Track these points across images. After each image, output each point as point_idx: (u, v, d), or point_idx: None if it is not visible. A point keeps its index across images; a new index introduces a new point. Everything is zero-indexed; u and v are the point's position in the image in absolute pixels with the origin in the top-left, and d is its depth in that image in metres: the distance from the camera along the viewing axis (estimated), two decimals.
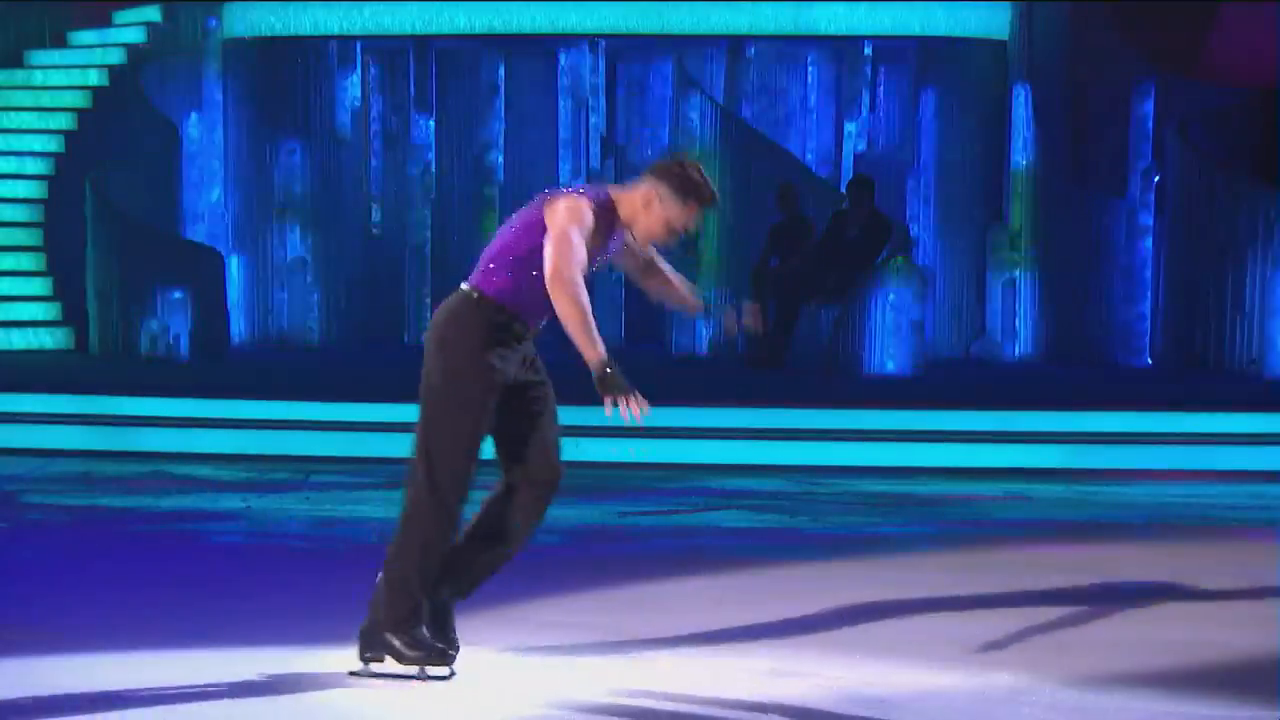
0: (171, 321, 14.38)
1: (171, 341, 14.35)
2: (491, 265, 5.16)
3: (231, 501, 8.83)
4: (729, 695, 5.00)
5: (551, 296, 5.01)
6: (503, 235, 5.22)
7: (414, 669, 5.11)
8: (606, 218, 5.13)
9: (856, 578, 6.95)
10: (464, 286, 5.21)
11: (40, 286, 15.33)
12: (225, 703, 4.88)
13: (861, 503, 9.11)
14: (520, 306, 5.14)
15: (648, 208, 5.16)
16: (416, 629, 5.10)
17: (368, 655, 5.15)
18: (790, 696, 4.98)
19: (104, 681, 5.02)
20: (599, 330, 5.10)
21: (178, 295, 14.41)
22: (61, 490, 9.24)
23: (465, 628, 5.32)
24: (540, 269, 5.02)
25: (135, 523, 8.21)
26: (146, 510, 8.56)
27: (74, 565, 7.16)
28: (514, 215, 5.27)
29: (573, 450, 10.48)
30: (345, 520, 8.35)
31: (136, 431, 10.85)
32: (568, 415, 11.15)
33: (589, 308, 5.04)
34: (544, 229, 5.06)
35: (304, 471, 9.78)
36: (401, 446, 10.30)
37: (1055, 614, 6.16)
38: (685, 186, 5.17)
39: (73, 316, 15.02)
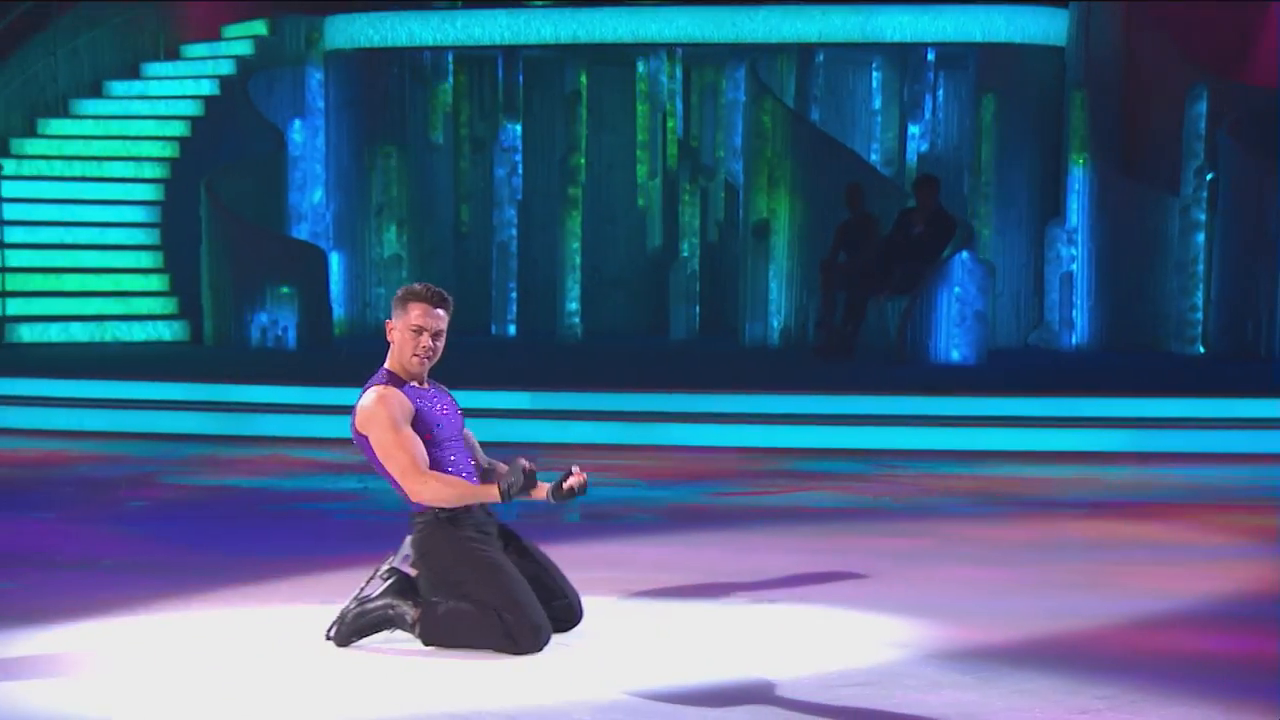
0: (280, 315, 14.50)
1: (280, 333, 14.47)
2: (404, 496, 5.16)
3: (349, 483, 8.87)
4: (852, 664, 4.96)
5: (420, 504, 5.08)
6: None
7: (348, 614, 5.12)
8: (396, 383, 5.12)
9: (942, 554, 6.91)
10: (416, 514, 5.18)
11: (158, 283, 15.48)
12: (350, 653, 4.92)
13: (939, 484, 9.05)
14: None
15: (392, 339, 5.14)
16: (367, 622, 5.11)
17: (386, 574, 5.15)
18: (886, 663, 4.95)
19: (248, 633, 5.09)
20: None
21: (285, 290, 14.52)
22: (194, 472, 9.28)
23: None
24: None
25: (264, 502, 8.26)
26: (273, 490, 8.61)
27: (212, 539, 7.22)
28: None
29: (660, 435, 10.62)
30: None
31: (256, 417, 10.94)
32: (649, 402, 11.18)
33: (447, 486, 5.06)
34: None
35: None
36: (491, 431, 10.43)
37: (1145, 588, 6.11)
38: (399, 301, 5.17)
39: (188, 311, 15.16)
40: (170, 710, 4.50)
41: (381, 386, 5.14)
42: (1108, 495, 8.73)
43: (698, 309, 16.76)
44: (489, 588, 5.04)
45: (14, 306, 14.60)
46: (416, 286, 5.23)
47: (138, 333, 14.90)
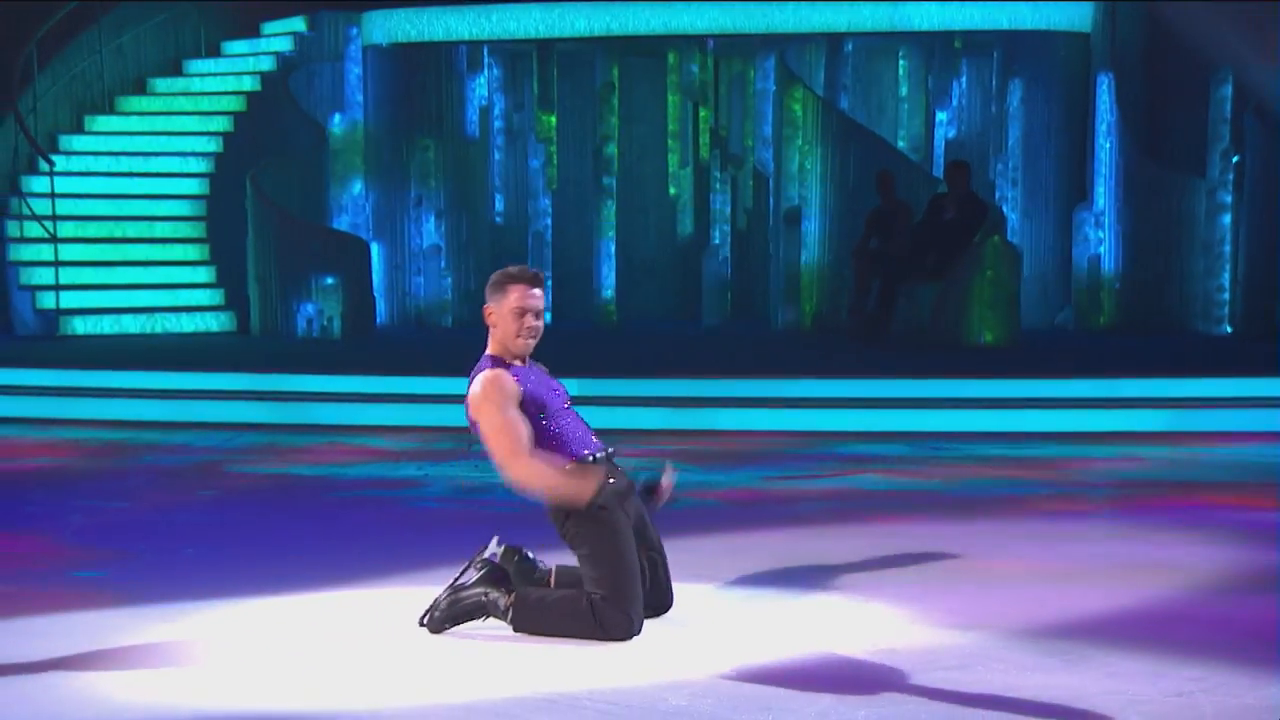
0: (325, 305, 14.48)
1: (326, 323, 14.45)
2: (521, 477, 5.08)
3: (408, 470, 8.86)
4: (936, 647, 4.93)
5: (513, 489, 5.05)
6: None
7: (440, 605, 5.11)
8: (501, 366, 5.08)
9: (1003, 536, 6.87)
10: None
11: (205, 275, 15.46)
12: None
13: (986, 466, 9.00)
14: (574, 447, 5.09)
15: (494, 324, 5.11)
16: (468, 619, 5.10)
17: (480, 565, 5.14)
18: (971, 645, 4.92)
19: (340, 618, 5.07)
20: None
21: (330, 281, 14.50)
22: (257, 461, 9.26)
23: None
24: (538, 421, 5.05)
25: (330, 489, 8.23)
26: (337, 478, 8.58)
27: (288, 527, 7.20)
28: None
29: (706, 420, 10.57)
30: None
31: (312, 406, 10.92)
32: (694, 387, 11.13)
33: (544, 473, 4.99)
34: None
35: (466, 441, 9.77)
36: None
37: (1212, 569, 6.07)
38: (496, 286, 5.13)
39: (234, 302, 15.14)
40: (269, 696, 4.49)
41: (489, 371, 5.11)
42: (1153, 474, 8.68)
43: (729, 295, 16.73)
44: (604, 559, 5.00)
45: (67, 300, 14.59)
46: (513, 269, 5.22)
47: (186, 324, 14.89)
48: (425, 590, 5.35)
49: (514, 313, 5.10)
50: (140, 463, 9.22)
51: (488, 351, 5.19)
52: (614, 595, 5.00)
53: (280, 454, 9.52)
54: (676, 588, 5.36)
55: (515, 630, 5.09)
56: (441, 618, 5.11)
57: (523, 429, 5.05)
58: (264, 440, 10.00)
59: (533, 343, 5.16)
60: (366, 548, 6.63)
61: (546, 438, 5.09)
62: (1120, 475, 8.64)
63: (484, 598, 5.10)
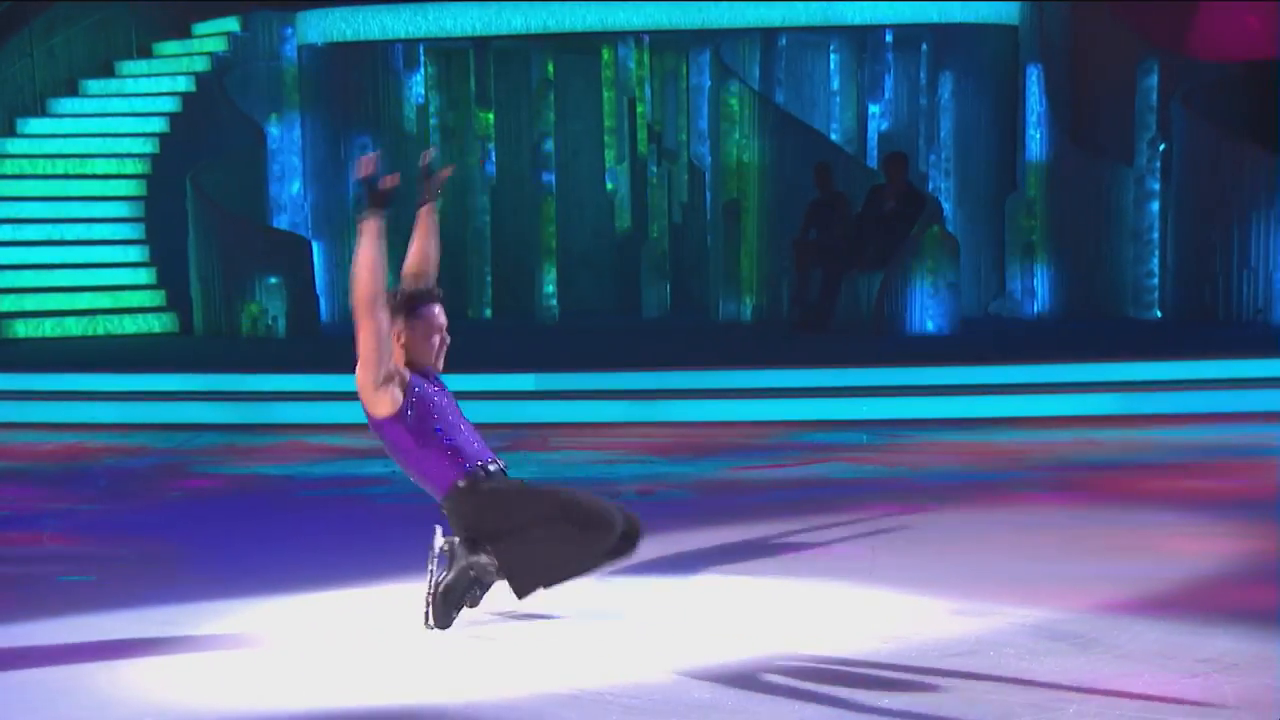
0: (269, 304, 14.25)
1: (270, 323, 14.21)
2: (422, 478, 5.00)
3: (375, 467, 8.69)
4: (944, 635, 4.88)
5: (356, 275, 4.84)
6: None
7: (428, 601, 4.96)
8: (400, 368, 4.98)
9: (985, 522, 6.83)
10: (440, 498, 5.02)
11: (145, 276, 15.16)
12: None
13: (948, 452, 8.98)
14: (468, 459, 4.96)
15: (407, 344, 4.99)
16: (465, 593, 4.96)
17: (444, 549, 5.00)
18: (979, 632, 4.87)
19: (340, 616, 4.94)
20: None
21: (274, 280, 14.26)
22: (220, 461, 9.06)
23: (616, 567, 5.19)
24: (432, 429, 4.92)
25: (300, 488, 8.06)
26: (305, 477, 8.41)
27: (269, 525, 7.03)
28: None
29: (663, 412, 10.48)
30: None
31: (267, 405, 10.71)
32: (650, 380, 11.02)
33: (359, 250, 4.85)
34: (382, 423, 4.94)
35: None
36: (497, 413, 10.15)
37: (1197, 550, 6.07)
38: (406, 309, 5.00)
39: (176, 302, 14.86)
40: (283, 697, 4.35)
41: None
42: (1115, 458, 8.70)
43: (668, 288, 16.66)
44: (536, 508, 4.88)
45: (7, 303, 14.25)
46: (418, 289, 5.07)
47: (129, 325, 14.59)
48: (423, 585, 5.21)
49: (430, 333, 5.02)
50: (102, 465, 8.99)
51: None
52: (574, 509, 4.84)
53: (241, 454, 9.32)
54: (683, 580, 5.27)
55: (515, 588, 4.93)
56: (441, 612, 4.97)
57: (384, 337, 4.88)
58: (223, 440, 9.80)
59: (443, 359, 5.09)
60: (354, 545, 6.49)
61: (440, 447, 4.94)
62: (1084, 459, 8.65)
63: (470, 571, 4.95)
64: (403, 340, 4.98)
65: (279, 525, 7.08)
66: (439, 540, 5.07)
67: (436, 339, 5.02)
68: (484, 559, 4.96)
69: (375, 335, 4.84)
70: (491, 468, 5.00)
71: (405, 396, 4.94)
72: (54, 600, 5.52)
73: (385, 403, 4.92)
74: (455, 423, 5.04)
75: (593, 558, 4.89)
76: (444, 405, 5.03)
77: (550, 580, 4.92)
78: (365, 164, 4.90)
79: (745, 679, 4.44)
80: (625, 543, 4.96)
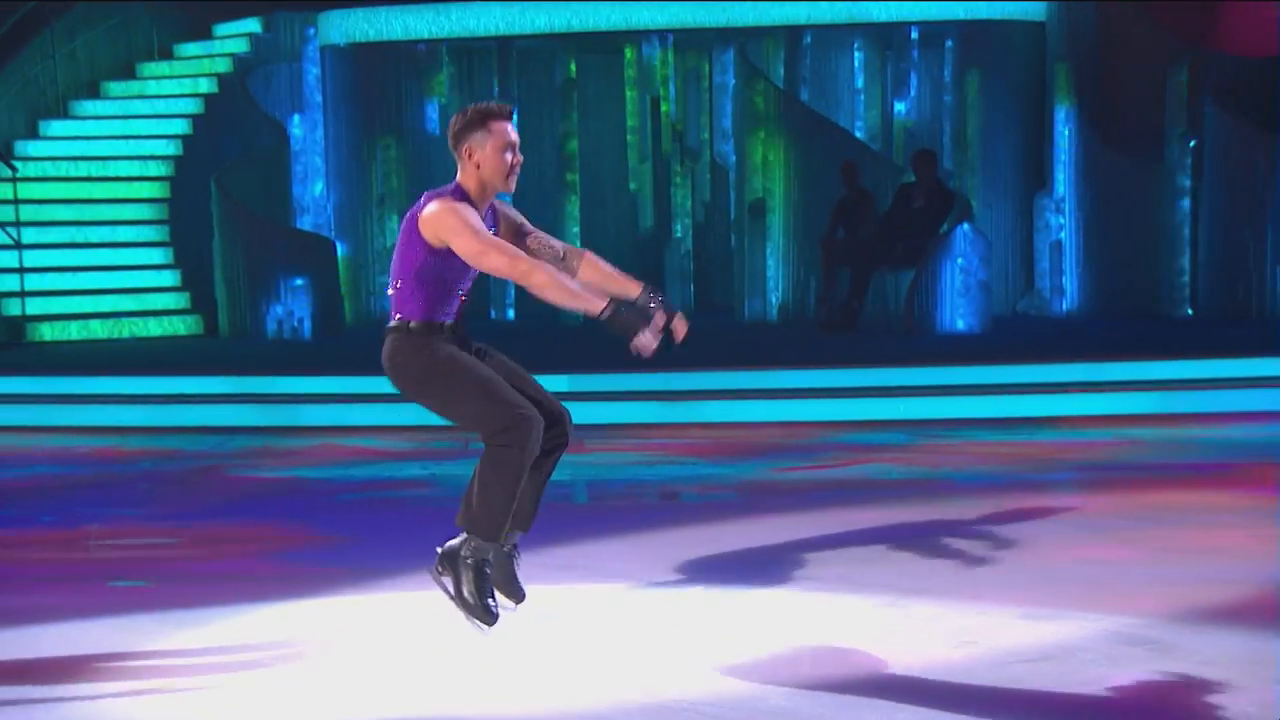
0: (295, 305, 14.18)
1: (296, 324, 14.15)
2: (398, 292, 4.90)
3: (413, 469, 8.62)
4: (1018, 642, 4.79)
5: (522, 285, 4.77)
6: (395, 256, 4.94)
7: (462, 610, 4.85)
8: (466, 200, 4.86)
9: (1042, 525, 6.74)
10: (391, 323, 4.94)
11: (170, 278, 15.09)
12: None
13: (989, 452, 8.88)
14: (435, 314, 4.87)
15: (480, 163, 4.85)
16: (484, 578, 4.85)
17: (439, 570, 4.91)
18: (1053, 638, 4.78)
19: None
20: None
21: (299, 281, 14.20)
22: (256, 464, 8.99)
23: (683, 571, 5.12)
24: (432, 275, 4.82)
25: (339, 491, 7.98)
26: (343, 479, 8.33)
27: (317, 527, 6.95)
28: (400, 232, 4.96)
29: (699, 413, 10.39)
30: None
31: (298, 408, 10.64)
32: (686, 380, 10.93)
33: (555, 277, 4.72)
34: (422, 241, 4.81)
35: (461, 440, 9.54)
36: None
37: (1264, 550, 5.98)
38: (475, 120, 4.89)
39: (201, 304, 14.80)
40: (357, 704, 4.27)
41: (450, 199, 4.83)
42: (1155, 458, 8.61)
43: (692, 287, 16.57)
44: (460, 389, 4.80)
45: (33, 306, 14.19)
46: (488, 105, 4.96)
47: (154, 328, 14.52)
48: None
49: (502, 149, 4.87)
50: (138, 469, 8.92)
51: (458, 182, 4.91)
52: (487, 414, 4.76)
53: (278, 456, 9.25)
54: (743, 586, 5.19)
55: (471, 532, 4.83)
56: (478, 609, 4.85)
57: (492, 238, 4.79)
58: (258, 443, 9.72)
59: (515, 182, 4.94)
60: (403, 548, 6.39)
61: (439, 294, 4.85)
62: (1127, 459, 8.55)
63: (470, 559, 4.86)
64: (475, 159, 4.86)
65: (327, 528, 6.99)
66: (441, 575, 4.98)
67: (509, 156, 4.89)
68: (461, 548, 4.86)
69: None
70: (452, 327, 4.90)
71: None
72: (112, 602, 5.45)
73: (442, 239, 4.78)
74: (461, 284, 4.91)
75: (510, 477, 4.76)
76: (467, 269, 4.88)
77: (495, 518, 4.80)
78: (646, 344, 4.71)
79: (821, 686, 4.36)
80: (557, 432, 4.90)
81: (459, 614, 4.88)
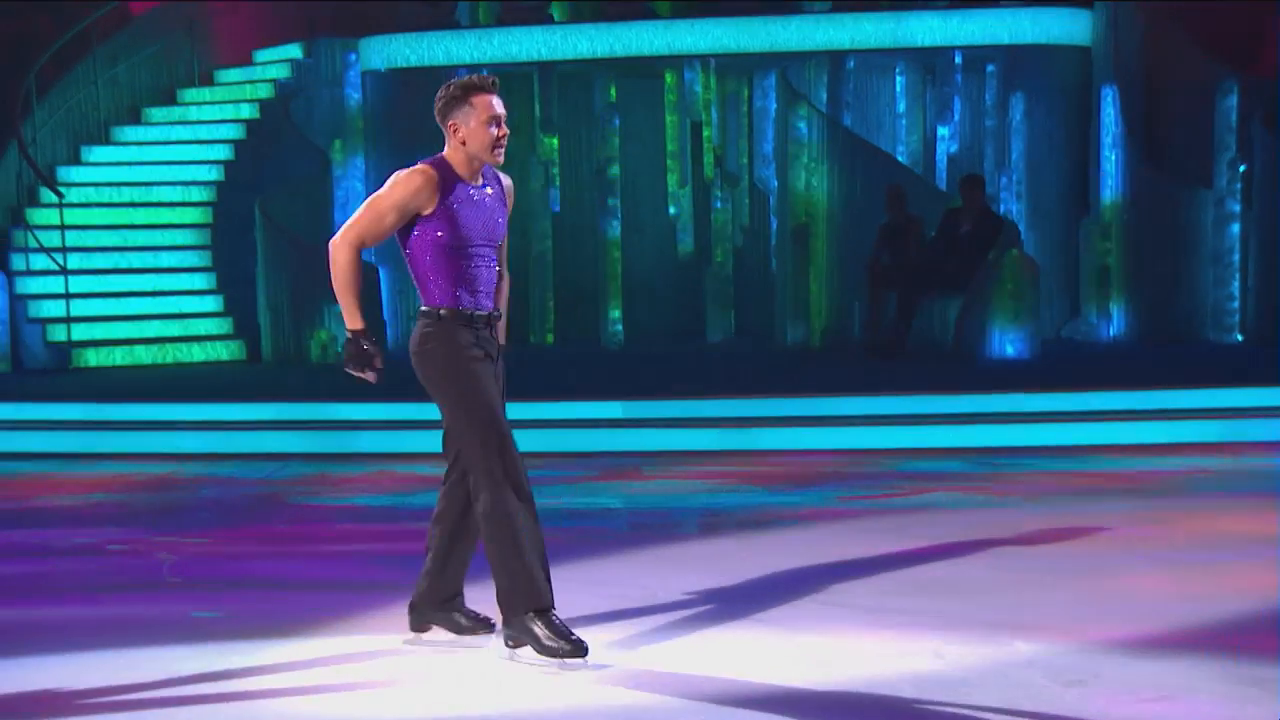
0: (339, 331, 14.12)
1: (339, 350, 14.08)
2: (416, 272, 4.99)
3: None
4: (1111, 679, 4.68)
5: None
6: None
7: (555, 660, 4.83)
8: (443, 172, 4.88)
9: (1116, 554, 6.63)
10: (423, 307, 5.00)
11: (213, 304, 15.06)
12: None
13: (1054, 481, 8.76)
14: (462, 297, 4.93)
15: (464, 139, 4.89)
16: (550, 622, 4.86)
17: (511, 644, 4.92)
18: (1164, 676, 4.67)
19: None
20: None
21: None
22: (315, 491, 8.91)
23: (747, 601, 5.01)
24: (433, 245, 4.89)
25: (403, 518, 7.89)
26: (405, 507, 8.24)
27: (378, 557, 6.87)
28: None
29: (752, 440, 10.29)
30: (591, 512, 8.04)
31: (353, 435, 10.58)
32: (739, 408, 10.81)
33: (350, 275, 4.90)
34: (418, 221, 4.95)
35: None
36: (586, 441, 10.02)
37: None
38: (458, 94, 4.92)
39: (243, 330, 14.75)
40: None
41: (421, 166, 4.92)
42: (1236, 486, 8.48)
43: (732, 313, 16.49)
44: (464, 407, 4.87)
45: (78, 331, 14.16)
46: (474, 79, 5.00)
47: (197, 353, 14.48)
48: (568, 617, 5.04)
49: (487, 123, 4.89)
50: (199, 495, 8.85)
51: (444, 155, 4.95)
52: (483, 435, 4.85)
53: (335, 484, 9.18)
54: (823, 617, 5.08)
55: (513, 610, 4.90)
56: (565, 650, 4.86)
57: (380, 225, 4.90)
58: (313, 470, 9.65)
59: (502, 155, 4.96)
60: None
61: (454, 271, 4.90)
62: (1205, 487, 8.42)
63: (527, 625, 4.90)
64: (461, 134, 4.89)
65: (395, 555, 6.90)
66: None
67: (494, 129, 4.90)
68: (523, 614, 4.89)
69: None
70: (486, 314, 4.96)
71: (439, 201, 4.86)
72: (192, 635, 5.37)
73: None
74: (481, 249, 4.93)
75: (506, 533, 4.85)
76: (477, 229, 4.91)
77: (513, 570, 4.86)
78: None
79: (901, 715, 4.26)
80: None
81: (553, 663, 4.84)
